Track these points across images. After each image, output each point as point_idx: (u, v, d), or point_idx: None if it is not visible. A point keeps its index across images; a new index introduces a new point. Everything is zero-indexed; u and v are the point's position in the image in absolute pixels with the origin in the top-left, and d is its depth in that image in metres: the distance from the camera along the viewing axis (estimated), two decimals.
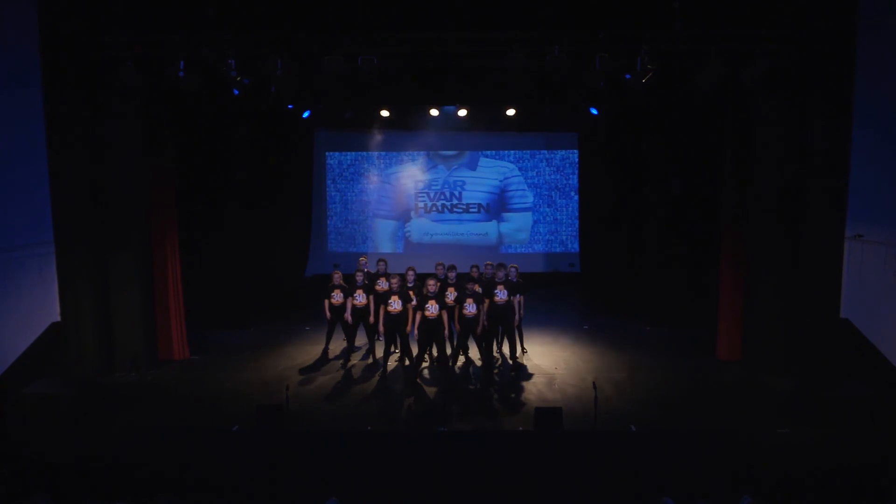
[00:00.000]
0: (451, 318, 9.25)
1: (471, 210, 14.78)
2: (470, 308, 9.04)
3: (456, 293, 9.42)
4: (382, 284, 9.70)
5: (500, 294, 9.24)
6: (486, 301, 9.26)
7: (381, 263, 10.10)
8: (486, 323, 9.25)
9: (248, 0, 8.34)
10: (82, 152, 8.88)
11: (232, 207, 11.90)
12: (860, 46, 8.20)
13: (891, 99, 8.81)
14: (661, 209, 11.75)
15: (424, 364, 9.50)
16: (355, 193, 14.90)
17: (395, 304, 9.12)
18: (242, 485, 6.58)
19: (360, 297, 9.59)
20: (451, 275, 9.72)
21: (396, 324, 9.20)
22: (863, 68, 8.30)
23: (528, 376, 9.36)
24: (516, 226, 14.86)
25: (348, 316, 9.60)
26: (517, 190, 14.78)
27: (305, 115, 12.79)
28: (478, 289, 9.33)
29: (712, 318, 10.11)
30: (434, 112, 12.88)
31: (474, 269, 9.95)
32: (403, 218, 14.86)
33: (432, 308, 8.84)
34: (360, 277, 9.70)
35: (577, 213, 14.64)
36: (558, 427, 7.69)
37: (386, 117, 12.93)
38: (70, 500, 5.94)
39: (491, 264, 10.26)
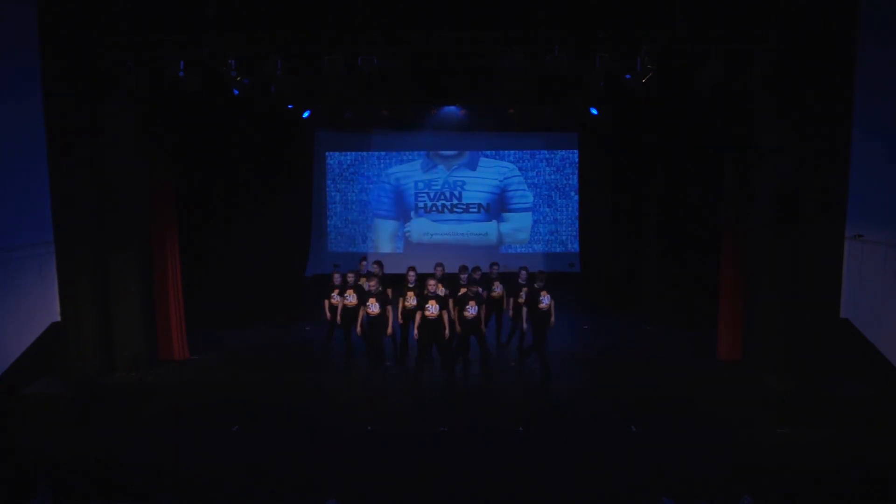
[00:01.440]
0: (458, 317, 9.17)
1: (471, 210, 14.78)
2: (471, 310, 8.98)
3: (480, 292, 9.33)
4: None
5: (545, 300, 9.27)
6: (525, 306, 9.41)
7: (376, 265, 10.06)
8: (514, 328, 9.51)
9: (248, 0, 8.33)
10: (82, 152, 8.87)
11: (232, 207, 11.92)
12: (860, 46, 8.20)
13: (890, 99, 8.81)
14: (660, 209, 11.75)
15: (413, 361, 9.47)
16: (355, 193, 14.90)
17: (373, 307, 9.10)
18: (242, 485, 6.58)
19: (350, 298, 9.54)
20: (476, 275, 9.69)
21: (374, 326, 9.18)
22: (862, 68, 8.30)
23: (528, 376, 9.36)
24: (516, 226, 14.86)
25: (338, 317, 9.58)
26: (517, 190, 14.78)
27: (305, 115, 12.79)
28: (489, 290, 9.32)
29: (712, 318, 10.10)
30: (434, 111, 12.88)
31: (476, 271, 9.88)
32: (403, 218, 14.86)
33: (432, 308, 8.82)
34: (350, 278, 9.66)
35: (577, 213, 14.64)
36: (558, 427, 7.70)
37: (386, 117, 12.92)
38: (70, 500, 5.95)
39: (496, 264, 10.26)
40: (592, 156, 13.97)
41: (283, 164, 13.35)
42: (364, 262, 10.50)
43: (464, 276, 9.68)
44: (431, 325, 8.87)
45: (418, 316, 8.91)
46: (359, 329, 9.30)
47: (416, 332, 8.96)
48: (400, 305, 9.57)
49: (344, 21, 8.31)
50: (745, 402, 8.39)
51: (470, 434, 7.71)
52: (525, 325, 9.46)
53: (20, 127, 9.04)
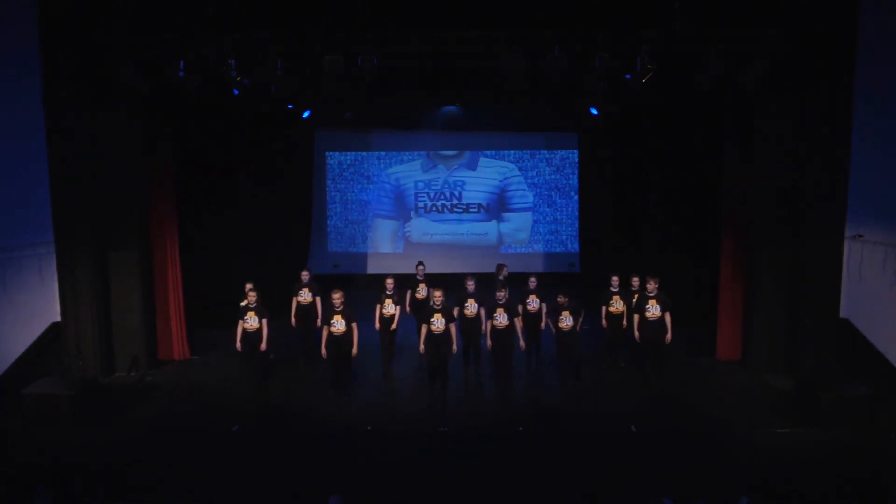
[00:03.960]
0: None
1: (471, 210, 14.77)
2: (566, 321, 8.63)
3: (542, 303, 9.05)
4: (305, 295, 9.51)
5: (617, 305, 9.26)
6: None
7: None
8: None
9: (248, 0, 8.33)
10: (82, 152, 8.87)
11: (231, 207, 11.91)
12: (860, 46, 8.21)
13: (890, 98, 8.82)
14: (660, 209, 11.75)
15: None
16: (355, 193, 14.89)
17: (338, 325, 8.39)
18: (242, 485, 6.58)
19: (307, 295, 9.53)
20: (533, 281, 9.28)
21: (340, 347, 8.45)
22: (863, 68, 8.31)
23: (528, 377, 9.34)
24: (516, 226, 14.85)
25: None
26: (517, 190, 14.77)
27: (305, 115, 12.78)
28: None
29: (712, 318, 10.10)
30: (434, 111, 12.87)
31: (533, 281, 9.36)
32: (403, 218, 14.85)
33: (500, 318, 8.48)
34: (305, 276, 9.73)
35: (577, 213, 14.63)
36: (558, 427, 7.70)
37: (386, 117, 12.89)
38: (70, 500, 5.94)
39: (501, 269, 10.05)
40: (592, 156, 13.97)
41: (283, 165, 13.35)
42: (421, 267, 10.08)
43: (534, 282, 9.29)
44: (501, 335, 8.48)
45: (488, 326, 8.52)
46: (323, 351, 8.56)
47: (489, 342, 8.59)
48: (456, 314, 8.90)
49: (344, 21, 8.31)
50: (745, 402, 8.39)
51: (470, 434, 7.70)
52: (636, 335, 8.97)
53: (20, 127, 9.05)
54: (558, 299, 8.78)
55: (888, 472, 6.73)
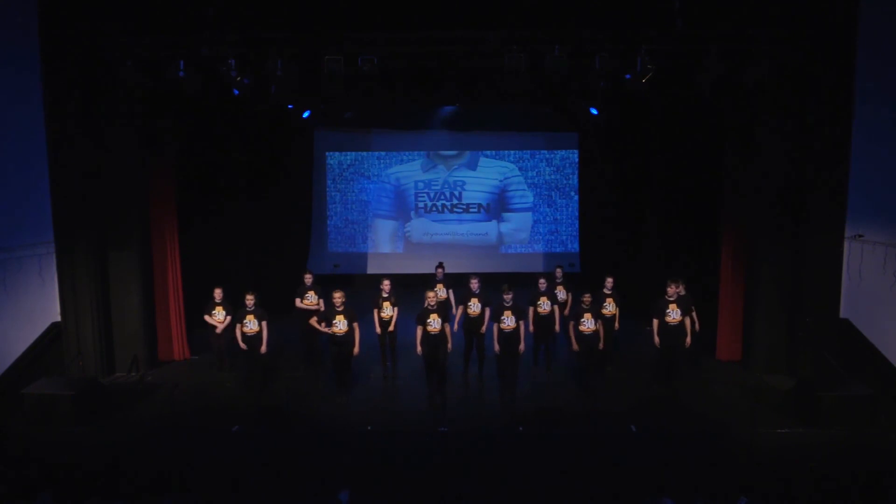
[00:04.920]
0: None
1: (471, 210, 14.77)
2: (587, 324, 8.45)
3: (553, 305, 9.00)
4: (311, 299, 9.47)
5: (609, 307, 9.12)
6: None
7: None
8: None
9: (248, 0, 8.33)
10: (82, 152, 8.88)
11: (231, 207, 11.91)
12: (861, 46, 8.21)
13: (890, 98, 8.82)
14: (660, 209, 11.74)
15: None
16: (355, 193, 14.89)
17: (340, 325, 8.28)
18: (242, 485, 6.58)
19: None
20: (543, 283, 9.20)
21: (340, 345, 8.38)
22: (863, 69, 8.31)
23: (528, 377, 9.34)
24: (516, 226, 14.85)
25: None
26: (517, 190, 14.77)
27: (305, 115, 12.79)
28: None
29: (712, 318, 10.09)
30: (434, 111, 12.87)
31: (542, 283, 9.26)
32: (403, 218, 14.85)
33: (508, 321, 8.32)
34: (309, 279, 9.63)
35: (577, 213, 14.63)
36: (558, 427, 7.69)
37: (386, 117, 12.88)
38: (70, 500, 5.94)
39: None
40: (592, 156, 13.97)
41: (283, 165, 13.35)
42: (441, 269, 9.94)
43: (542, 284, 9.16)
44: (509, 337, 8.35)
45: (495, 329, 8.41)
46: (316, 325, 8.72)
47: (496, 346, 8.45)
48: (459, 313, 9.06)
49: (344, 21, 8.31)
50: (745, 402, 8.38)
51: (470, 434, 7.70)
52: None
53: (20, 127, 9.06)
54: (583, 299, 8.62)
55: (888, 472, 6.72)
